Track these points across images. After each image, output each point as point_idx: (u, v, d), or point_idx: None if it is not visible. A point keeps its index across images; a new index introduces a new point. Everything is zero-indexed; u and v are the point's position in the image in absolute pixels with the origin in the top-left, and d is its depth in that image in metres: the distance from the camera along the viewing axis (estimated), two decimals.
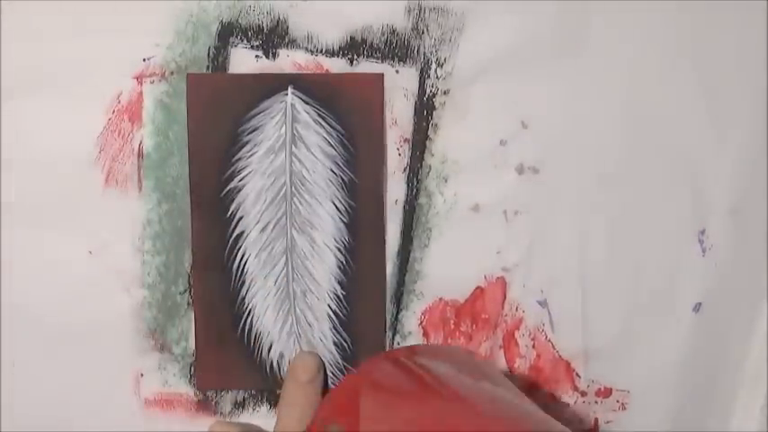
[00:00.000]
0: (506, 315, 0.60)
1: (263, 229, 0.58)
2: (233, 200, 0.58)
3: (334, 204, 0.58)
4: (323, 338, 0.59)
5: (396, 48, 0.58)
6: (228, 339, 0.58)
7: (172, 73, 0.57)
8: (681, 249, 0.60)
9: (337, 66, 0.57)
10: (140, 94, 0.57)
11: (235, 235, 0.58)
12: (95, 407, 0.59)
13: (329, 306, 0.59)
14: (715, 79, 0.59)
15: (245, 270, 0.58)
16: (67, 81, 0.57)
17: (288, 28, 0.57)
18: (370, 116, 0.58)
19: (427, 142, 0.58)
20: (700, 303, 0.60)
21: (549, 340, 0.60)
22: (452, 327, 0.60)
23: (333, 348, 0.59)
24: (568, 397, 0.60)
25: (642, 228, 0.59)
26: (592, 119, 0.58)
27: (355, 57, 0.58)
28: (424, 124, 0.58)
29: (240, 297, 0.58)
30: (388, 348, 0.59)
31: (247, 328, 0.58)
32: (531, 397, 0.49)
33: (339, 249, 0.58)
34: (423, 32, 0.57)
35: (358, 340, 0.59)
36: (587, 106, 0.58)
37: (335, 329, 0.59)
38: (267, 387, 0.60)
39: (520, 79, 0.58)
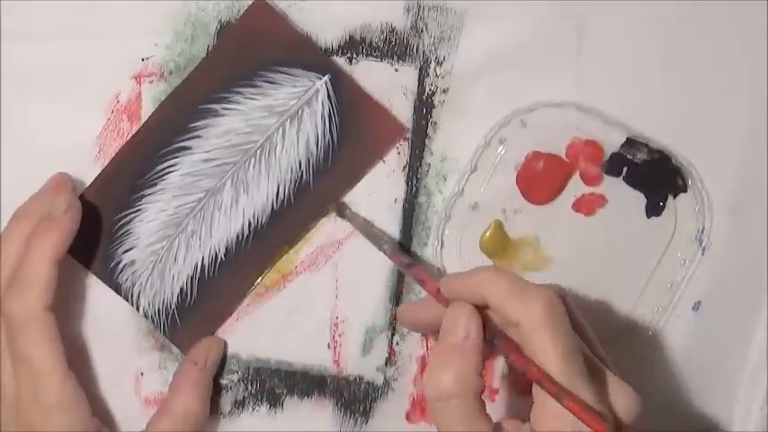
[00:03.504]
0: None
1: (207, 160, 0.58)
2: (205, 118, 0.57)
3: (277, 188, 0.58)
4: (175, 277, 0.58)
5: (395, 46, 0.58)
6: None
7: (171, 72, 0.57)
8: (681, 248, 0.60)
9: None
10: (139, 93, 0.58)
11: (181, 145, 0.57)
12: (95, 406, 0.58)
13: (202, 258, 0.58)
14: (715, 79, 0.58)
15: (165, 179, 0.58)
16: (67, 81, 0.57)
17: None
18: (366, 151, 0.58)
19: (426, 141, 0.58)
20: (699, 302, 0.60)
21: None
22: None
23: (177, 290, 0.59)
24: None
25: (641, 226, 0.59)
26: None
27: (354, 55, 0.58)
28: (424, 123, 0.58)
29: (143, 196, 0.58)
30: (389, 348, 0.60)
31: (127, 220, 0.58)
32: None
33: (249, 225, 0.58)
34: (422, 31, 0.57)
35: (198, 306, 0.59)
36: (586, 105, 0.58)
37: (191, 280, 0.58)
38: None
39: (519, 78, 0.58)
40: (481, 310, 0.49)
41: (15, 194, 0.56)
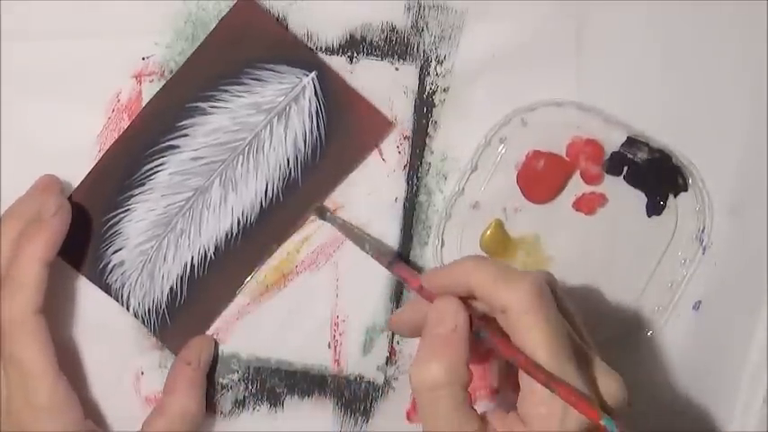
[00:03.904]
0: None
1: (195, 158, 0.58)
2: (192, 116, 0.57)
3: (266, 186, 0.58)
4: (165, 276, 0.58)
5: (395, 45, 0.58)
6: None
7: (171, 72, 0.57)
8: (681, 247, 0.60)
9: (337, 64, 0.58)
10: (140, 93, 0.58)
11: (168, 144, 0.57)
12: (95, 406, 0.59)
13: (192, 257, 0.58)
14: (715, 79, 0.59)
15: (153, 179, 0.58)
16: (67, 81, 0.57)
17: (287, 26, 0.57)
18: (354, 146, 0.58)
19: (427, 140, 0.58)
20: (700, 302, 0.60)
21: None
22: None
23: (167, 290, 0.58)
24: None
25: (642, 225, 0.59)
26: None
27: (355, 54, 0.58)
28: (424, 122, 0.58)
29: (131, 196, 0.58)
30: (390, 347, 0.60)
31: (116, 220, 0.58)
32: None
33: (238, 223, 0.58)
34: (422, 30, 0.57)
35: (188, 306, 0.59)
36: (587, 104, 0.58)
37: (181, 279, 0.58)
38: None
39: (520, 77, 0.58)
40: (465, 301, 0.49)
41: (15, 194, 0.56)
